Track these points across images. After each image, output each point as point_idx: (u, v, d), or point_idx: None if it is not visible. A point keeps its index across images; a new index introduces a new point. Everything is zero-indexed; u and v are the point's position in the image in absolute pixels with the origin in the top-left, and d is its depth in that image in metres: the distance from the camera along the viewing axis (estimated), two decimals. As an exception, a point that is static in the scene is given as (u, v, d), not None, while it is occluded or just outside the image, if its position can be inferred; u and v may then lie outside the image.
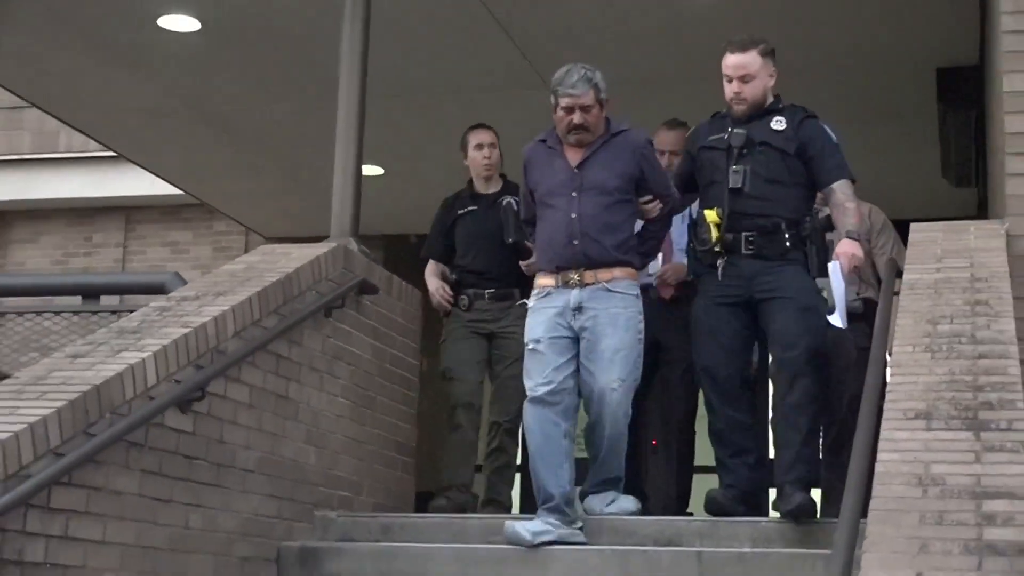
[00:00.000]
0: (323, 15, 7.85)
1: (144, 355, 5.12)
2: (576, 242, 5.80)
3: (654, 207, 6.04)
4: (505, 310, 7.16)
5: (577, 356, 5.80)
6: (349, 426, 6.47)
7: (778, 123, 5.83)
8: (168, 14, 8.88)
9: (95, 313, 6.72)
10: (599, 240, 5.80)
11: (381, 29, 7.50)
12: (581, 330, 5.77)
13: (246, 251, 10.74)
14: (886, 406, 4.14)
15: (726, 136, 5.85)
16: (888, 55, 8.68)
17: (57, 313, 6.99)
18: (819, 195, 6.21)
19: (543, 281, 5.93)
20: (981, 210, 8.56)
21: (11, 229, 15.26)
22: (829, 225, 5.99)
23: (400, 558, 5.81)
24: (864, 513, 3.69)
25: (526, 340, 5.89)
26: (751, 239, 5.73)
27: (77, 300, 7.16)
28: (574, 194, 5.85)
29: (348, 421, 6.52)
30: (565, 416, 5.76)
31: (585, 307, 5.77)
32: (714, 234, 5.75)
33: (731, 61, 5.83)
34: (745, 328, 5.89)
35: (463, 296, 7.25)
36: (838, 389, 6.61)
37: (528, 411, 5.82)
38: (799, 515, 5.48)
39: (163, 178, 12.07)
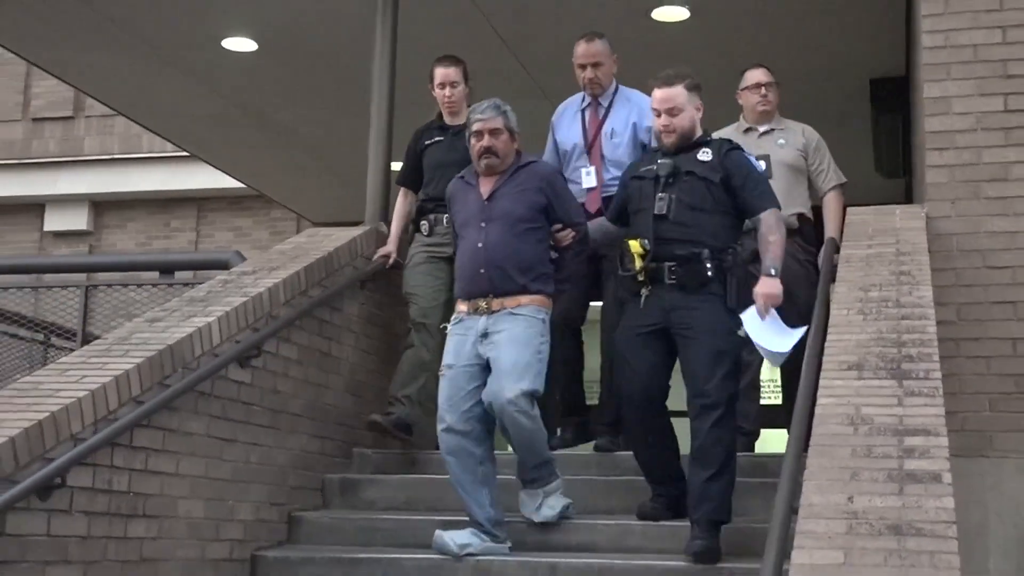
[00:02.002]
0: (358, 36, 7.81)
1: (210, 320, 5.11)
2: (483, 271, 5.13)
3: (566, 235, 5.31)
4: None
5: (485, 377, 5.10)
6: (380, 378, 6.44)
7: (704, 154, 5.10)
8: (230, 37, 8.86)
9: (171, 285, 6.69)
10: (504, 268, 5.11)
11: (406, 47, 7.46)
12: (487, 353, 5.08)
13: (297, 234, 10.73)
14: (824, 359, 4.13)
15: (655, 167, 5.15)
16: (829, 68, 8.63)
17: (139, 286, 6.97)
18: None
19: (459, 307, 5.28)
20: (908, 198, 8.53)
21: (104, 216, 15.23)
22: (755, 258, 5.21)
23: (424, 487, 5.80)
24: (806, 448, 3.69)
25: (441, 365, 5.25)
26: (673, 269, 4.93)
27: (156, 275, 7.11)
28: (483, 224, 5.20)
29: (379, 374, 6.48)
30: (479, 443, 5.10)
31: (490, 332, 5.08)
32: (637, 263, 4.97)
33: (659, 95, 5.16)
34: (660, 357, 5.03)
35: (424, 222, 6.37)
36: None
37: (442, 441, 5.13)
38: (699, 561, 4.69)
39: (228, 174, 12.04)
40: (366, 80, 7.47)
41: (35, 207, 15.24)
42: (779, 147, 6.17)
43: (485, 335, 5.09)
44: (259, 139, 10.75)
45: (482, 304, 5.13)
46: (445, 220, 6.05)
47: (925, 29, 5.81)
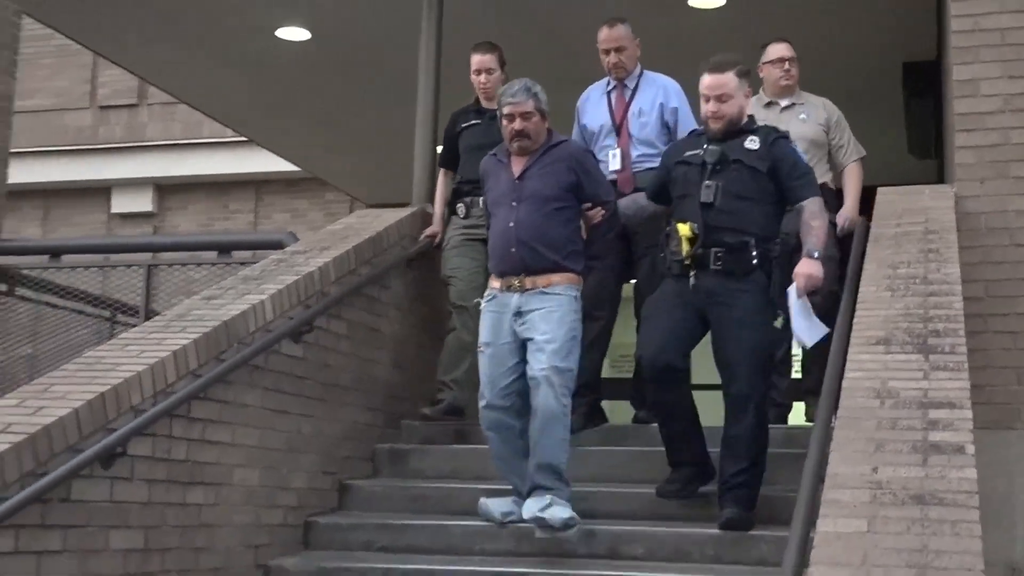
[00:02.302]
0: (405, 24, 7.79)
1: (264, 297, 5.14)
2: (514, 249, 5.00)
3: (596, 213, 5.18)
4: None
5: (522, 354, 4.99)
6: (427, 353, 6.44)
7: (751, 142, 4.94)
8: (285, 27, 8.90)
9: (227, 264, 6.73)
10: (535, 247, 4.98)
11: (451, 35, 7.45)
12: (521, 331, 4.97)
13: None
14: (853, 334, 4.10)
15: (701, 152, 4.97)
16: (862, 52, 8.55)
17: (198, 265, 7.03)
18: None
19: (491, 283, 5.14)
20: (940, 178, 8.42)
21: (166, 199, 15.34)
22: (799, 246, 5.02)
23: (470, 457, 5.81)
24: (833, 420, 3.67)
25: (479, 343, 5.14)
26: (719, 255, 4.80)
27: (215, 255, 7.16)
28: (514, 203, 5.06)
29: (426, 349, 6.48)
30: (518, 416, 4.98)
31: (523, 311, 4.96)
32: (685, 248, 4.83)
33: (708, 81, 4.99)
34: (690, 327, 4.91)
35: (460, 204, 6.31)
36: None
37: (483, 416, 5.05)
38: (728, 529, 4.71)
39: (284, 158, 12.10)
40: (413, 67, 7.47)
41: (102, 190, 15.37)
42: (801, 121, 6.03)
43: (519, 313, 4.98)
44: (313, 124, 10.79)
45: (514, 282, 5.01)
46: (480, 202, 5.84)
47: (954, 13, 5.75)
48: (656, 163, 5.63)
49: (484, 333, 5.09)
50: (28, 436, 3.86)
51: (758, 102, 6.01)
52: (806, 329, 4.70)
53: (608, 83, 6.12)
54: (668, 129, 5.92)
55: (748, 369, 4.76)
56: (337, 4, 8.40)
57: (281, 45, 9.17)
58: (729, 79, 4.95)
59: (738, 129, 4.99)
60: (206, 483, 4.71)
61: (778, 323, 4.80)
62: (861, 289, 4.49)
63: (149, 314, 6.65)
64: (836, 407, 3.71)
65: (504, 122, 5.14)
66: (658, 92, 5.98)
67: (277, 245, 6.23)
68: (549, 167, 5.10)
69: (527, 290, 4.98)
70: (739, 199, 4.85)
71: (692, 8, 8.09)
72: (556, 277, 4.99)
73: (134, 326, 5.73)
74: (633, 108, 5.97)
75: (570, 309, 4.98)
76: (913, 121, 9.02)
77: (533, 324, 4.93)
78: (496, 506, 5.02)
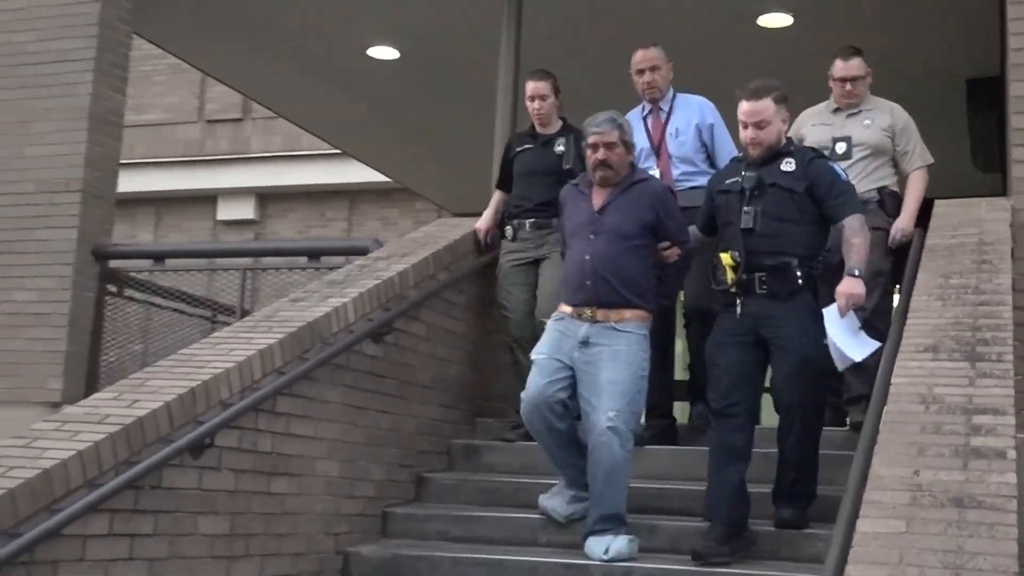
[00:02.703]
0: (486, 43, 7.86)
1: (346, 300, 5.18)
2: (589, 282, 4.79)
3: (672, 253, 4.97)
4: (544, 236, 5.92)
5: (572, 379, 4.80)
6: (501, 354, 6.41)
7: (787, 164, 4.77)
8: (375, 46, 9.01)
9: (317, 269, 6.79)
10: (610, 282, 4.77)
11: (528, 53, 7.49)
12: (583, 363, 4.75)
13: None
14: (902, 342, 4.04)
15: (740, 179, 4.83)
16: (927, 69, 8.44)
17: (290, 270, 7.12)
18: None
19: (561, 308, 4.93)
20: (1004, 192, 8.26)
21: (267, 208, 15.58)
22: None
23: (540, 453, 5.73)
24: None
25: (533, 354, 4.95)
26: (763, 279, 4.65)
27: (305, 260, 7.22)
28: (591, 236, 4.85)
29: (500, 350, 6.44)
30: (561, 418, 4.82)
31: (591, 343, 4.75)
32: (730, 276, 4.70)
33: (746, 108, 4.80)
34: (752, 365, 4.73)
35: (508, 227, 6.09)
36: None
37: (526, 418, 4.89)
38: (782, 527, 4.66)
39: (376, 169, 12.21)
40: (493, 82, 7.53)
41: (209, 199, 15.67)
42: (864, 127, 5.75)
43: (585, 343, 4.77)
44: (402, 137, 10.89)
45: (587, 312, 4.81)
46: (528, 225, 5.96)
47: (1012, 31, 5.64)
48: (697, 180, 5.61)
49: (542, 346, 4.91)
50: (123, 427, 3.95)
51: (826, 108, 5.87)
52: (855, 346, 4.52)
53: (643, 108, 5.99)
54: (706, 147, 5.83)
55: (796, 382, 4.61)
56: (423, 25, 8.48)
57: (372, 64, 9.29)
58: (767, 105, 4.79)
59: (776, 152, 4.83)
60: (289, 474, 4.77)
61: (827, 341, 4.60)
62: (913, 298, 4.42)
63: (244, 315, 6.75)
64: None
65: (588, 151, 4.96)
66: (693, 111, 5.88)
67: (362, 251, 6.27)
68: (631, 203, 4.91)
69: (598, 322, 4.78)
70: (779, 221, 4.71)
71: (761, 27, 8.03)
72: (628, 313, 4.79)
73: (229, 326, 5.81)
74: (670, 129, 5.86)
75: (639, 348, 4.78)
76: (977, 135, 8.85)
77: (599, 362, 4.72)
78: (557, 507, 4.99)
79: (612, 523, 4.68)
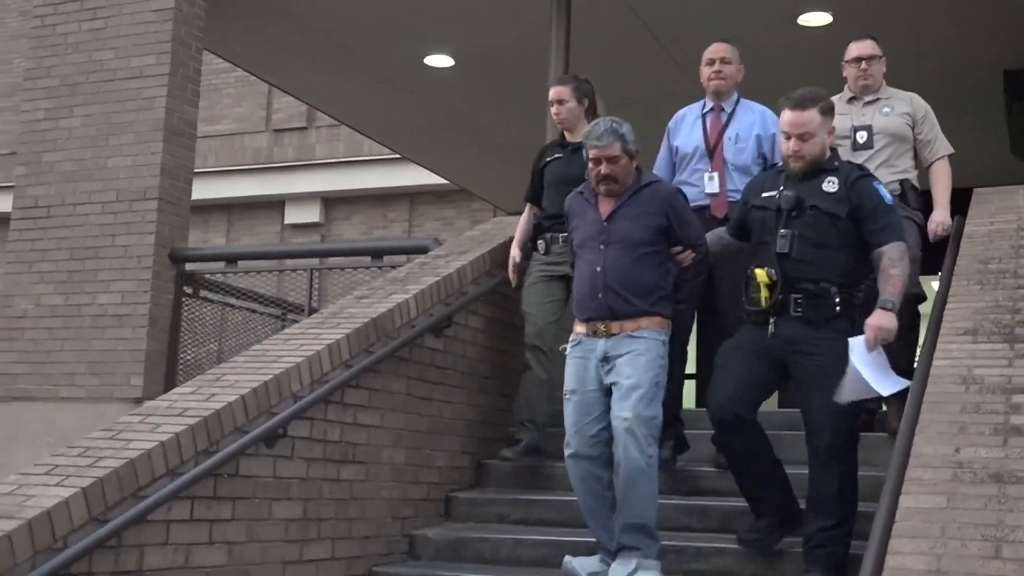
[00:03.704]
0: (537, 49, 7.88)
1: (408, 296, 5.21)
2: (601, 295, 4.41)
3: (686, 256, 4.54)
4: None
5: (608, 401, 4.40)
6: (557, 344, 6.43)
7: (830, 184, 4.28)
8: (431, 55, 9.06)
9: (381, 268, 6.85)
10: (622, 294, 4.39)
11: (576, 57, 7.50)
12: (607, 377, 4.40)
13: (492, 222, 10.90)
14: (942, 325, 4.00)
15: (777, 196, 4.35)
16: (965, 62, 8.33)
17: (355, 269, 7.19)
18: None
19: (576, 328, 4.56)
20: (1044, 179, 8.15)
21: (333, 211, 15.67)
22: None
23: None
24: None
25: (564, 390, 4.54)
26: (799, 301, 4.20)
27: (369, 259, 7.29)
28: (601, 247, 4.46)
29: (556, 341, 6.42)
30: (606, 467, 4.39)
31: (610, 356, 4.38)
32: (763, 295, 4.25)
33: (789, 118, 4.30)
34: (763, 377, 4.32)
35: (540, 240, 5.60)
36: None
37: (569, 467, 4.47)
38: None
39: (435, 172, 12.28)
40: (544, 86, 7.53)
41: (277, 204, 15.81)
42: (883, 116, 5.38)
43: (605, 359, 4.40)
44: (459, 141, 10.94)
45: (601, 327, 4.42)
46: (561, 239, 5.41)
47: (1048, 24, 5.55)
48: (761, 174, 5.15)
49: (569, 380, 4.50)
50: (201, 419, 4.02)
51: (840, 99, 5.39)
52: (876, 381, 4.04)
53: (704, 105, 5.54)
54: (764, 159, 5.35)
55: (834, 422, 4.12)
56: (477, 33, 8.52)
57: (429, 71, 9.35)
58: (812, 117, 4.30)
59: (818, 168, 4.34)
60: (358, 461, 4.83)
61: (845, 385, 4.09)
62: (952, 283, 4.37)
63: (312, 312, 6.82)
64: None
65: (590, 165, 4.54)
66: (755, 119, 5.41)
67: (422, 250, 6.32)
68: (639, 209, 4.50)
69: (614, 335, 4.40)
70: (817, 247, 4.24)
71: (801, 26, 7.97)
72: (644, 321, 4.40)
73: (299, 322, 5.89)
74: (729, 132, 5.38)
75: (657, 354, 4.39)
76: (1015, 125, 8.72)
77: (619, 368, 4.36)
78: (582, 565, 4.45)
79: (638, 535, 4.28)
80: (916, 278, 5.18)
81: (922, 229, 5.31)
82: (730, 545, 4.51)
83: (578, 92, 5.61)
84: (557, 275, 5.53)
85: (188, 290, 7.40)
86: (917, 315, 5.36)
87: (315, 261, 7.55)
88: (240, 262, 7.56)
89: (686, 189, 5.12)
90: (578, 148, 5.38)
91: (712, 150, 5.38)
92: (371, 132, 11.20)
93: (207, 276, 7.56)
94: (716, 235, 4.79)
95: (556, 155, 5.68)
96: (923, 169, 5.48)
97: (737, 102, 5.49)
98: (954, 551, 2.69)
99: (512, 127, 10.22)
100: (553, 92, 5.68)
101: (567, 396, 4.50)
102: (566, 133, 5.71)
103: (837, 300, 4.21)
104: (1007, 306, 4.04)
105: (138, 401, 6.72)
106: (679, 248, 4.54)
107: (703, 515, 4.91)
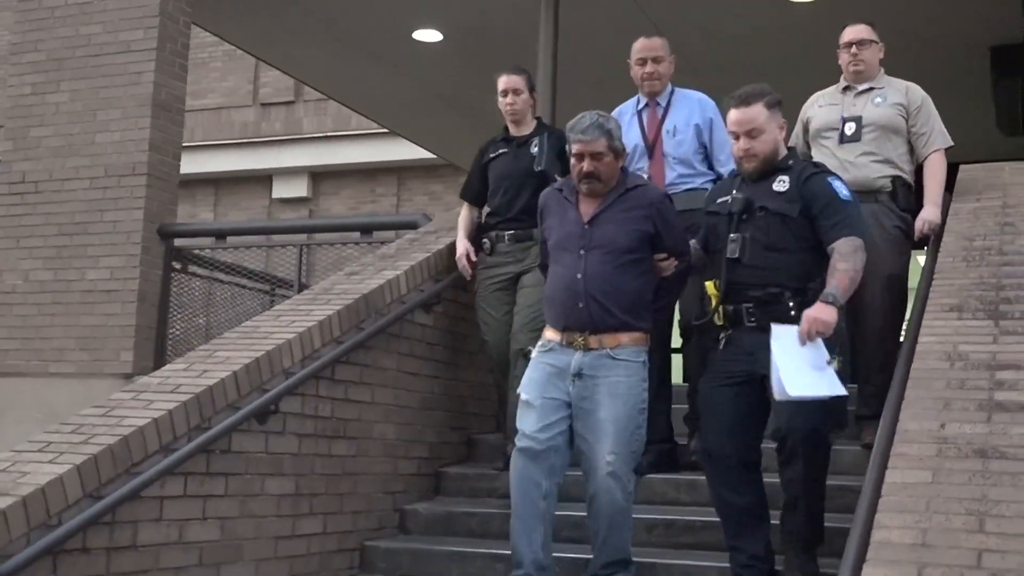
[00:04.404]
0: (526, 24, 7.88)
1: (398, 272, 5.23)
2: (581, 305, 4.07)
3: (669, 265, 4.24)
4: (526, 250, 5.22)
5: (570, 417, 4.09)
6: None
7: (780, 183, 4.05)
8: (419, 29, 9.04)
9: (370, 243, 6.85)
10: (604, 304, 4.07)
11: (567, 34, 7.50)
12: (579, 398, 4.06)
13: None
14: (928, 302, 4.04)
15: (728, 200, 4.13)
16: (952, 37, 8.34)
17: (344, 244, 7.19)
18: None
19: (548, 334, 4.20)
20: (1028, 154, 8.19)
21: (320, 185, 15.68)
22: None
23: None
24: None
25: (521, 392, 4.20)
26: (751, 310, 3.98)
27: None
28: (582, 252, 4.13)
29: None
30: (549, 474, 4.07)
31: (585, 375, 4.05)
32: (715, 307, 4.06)
33: (735, 116, 4.08)
34: (750, 408, 4.04)
35: (485, 239, 5.36)
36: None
37: (513, 461, 4.15)
38: None
39: (423, 147, 12.27)
40: (533, 61, 7.54)
41: (264, 178, 15.80)
42: (875, 106, 5.06)
43: (579, 375, 4.08)
44: (447, 116, 10.92)
45: (578, 339, 4.09)
46: (507, 237, 5.26)
47: (1034, 0, 5.57)
48: (695, 182, 5.06)
49: (529, 387, 4.16)
50: (194, 396, 4.05)
51: (836, 88, 5.21)
52: (798, 381, 3.73)
53: (638, 102, 5.29)
54: (705, 148, 5.14)
55: (794, 414, 3.85)
56: (465, 7, 8.50)
57: (417, 46, 9.32)
58: (758, 112, 4.07)
59: (773, 167, 4.11)
60: (349, 437, 4.86)
61: (833, 364, 3.85)
62: (938, 260, 4.41)
63: (302, 288, 6.84)
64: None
65: (572, 161, 4.22)
66: (693, 108, 5.17)
67: (412, 225, 6.33)
68: (624, 213, 4.18)
69: (592, 349, 4.09)
70: (769, 251, 4.00)
71: (790, 2, 7.97)
72: (625, 338, 4.10)
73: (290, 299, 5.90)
74: (667, 126, 5.15)
75: (638, 379, 4.10)
76: (1001, 101, 8.76)
77: (595, 397, 4.05)
78: None
79: (618, 567, 4.11)
80: (898, 299, 4.97)
81: (910, 235, 4.98)
82: (718, 519, 4.55)
83: (530, 84, 5.45)
84: (506, 278, 5.28)
85: (177, 265, 7.40)
86: (903, 299, 5.06)
87: (304, 237, 7.55)
88: (229, 237, 7.55)
89: None
90: (525, 142, 5.33)
91: (652, 147, 5.15)
92: (359, 107, 11.17)
93: (195, 252, 7.56)
94: (694, 248, 4.43)
95: (501, 150, 5.41)
96: (918, 164, 5.13)
97: (672, 93, 5.25)
98: (939, 525, 2.74)
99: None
100: (506, 81, 5.41)
101: (524, 398, 4.16)
102: (511, 126, 5.45)
103: (791, 304, 3.95)
104: (992, 283, 4.06)
105: (128, 376, 6.74)
106: (663, 256, 4.25)
107: (691, 488, 4.95)
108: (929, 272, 4.48)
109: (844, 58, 5.21)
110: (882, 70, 5.25)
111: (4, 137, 7.68)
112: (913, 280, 4.94)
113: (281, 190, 15.72)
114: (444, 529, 5.07)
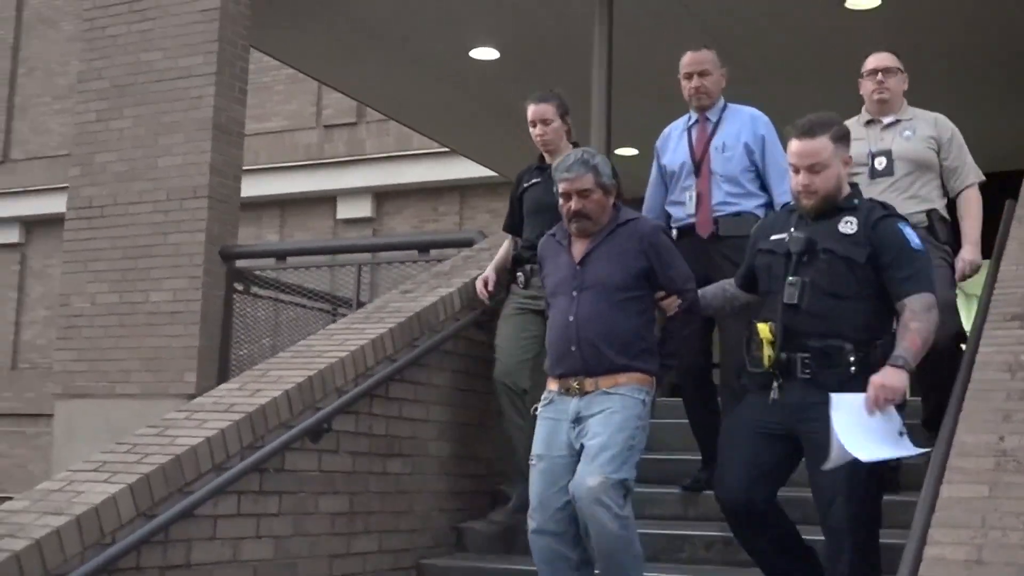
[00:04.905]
0: (580, 39, 7.87)
1: (452, 289, 5.22)
2: (574, 348, 3.87)
3: (671, 303, 3.97)
4: None
5: None
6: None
7: (848, 225, 3.66)
8: (477, 47, 9.07)
9: (428, 261, 6.86)
10: (599, 347, 3.84)
11: (621, 48, 7.47)
12: (577, 440, 3.85)
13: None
14: (989, 311, 3.94)
15: (787, 238, 3.75)
16: (1014, 42, 8.16)
17: (402, 263, 7.21)
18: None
19: (549, 386, 4.02)
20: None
21: (384, 205, 15.78)
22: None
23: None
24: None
25: (531, 455, 3.99)
26: (807, 360, 3.58)
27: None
28: (574, 293, 3.93)
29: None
30: (574, 546, 3.84)
31: (582, 417, 3.84)
32: (767, 354, 3.62)
33: (796, 148, 3.70)
34: (778, 462, 3.69)
35: (519, 272, 5.08)
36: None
37: (533, 544, 3.89)
38: None
39: (483, 164, 12.26)
40: (588, 76, 7.53)
41: (329, 199, 15.94)
42: (904, 140, 4.84)
43: (577, 420, 3.86)
44: (506, 132, 10.89)
45: (574, 385, 3.88)
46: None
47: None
48: (743, 204, 4.79)
49: (537, 444, 3.95)
50: (246, 415, 4.07)
51: (858, 121, 4.92)
52: (861, 446, 3.38)
53: (689, 118, 5.09)
54: (756, 168, 4.89)
55: (845, 499, 3.49)
56: (520, 24, 8.51)
57: (474, 64, 9.35)
58: (823, 145, 3.68)
59: (835, 207, 3.73)
60: (404, 455, 4.86)
61: (904, 434, 3.50)
62: (1001, 268, 4.30)
63: (360, 307, 6.86)
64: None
65: (560, 201, 4.03)
66: (744, 124, 4.93)
67: (467, 243, 6.33)
68: (616, 249, 3.96)
69: (588, 392, 3.86)
70: (831, 297, 3.62)
71: (848, 9, 7.85)
72: (623, 378, 3.85)
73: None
74: (715, 142, 4.91)
75: (634, 414, 3.81)
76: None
77: (589, 428, 3.82)
78: None
79: None
80: (954, 320, 4.68)
81: (953, 267, 4.79)
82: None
83: (561, 109, 5.11)
84: (536, 309, 4.92)
85: (239, 287, 7.48)
86: (959, 356, 4.46)
87: (364, 256, 7.58)
88: (289, 258, 7.62)
89: (676, 209, 4.94)
90: None
91: (699, 164, 4.91)
92: (419, 126, 11.23)
93: (257, 273, 7.64)
94: (720, 287, 4.19)
95: (534, 180, 5.16)
96: (951, 199, 4.92)
97: (724, 108, 5.01)
98: (995, 541, 2.65)
99: (559, 118, 10.20)
100: (533, 111, 5.11)
101: (533, 462, 3.95)
102: (545, 155, 5.17)
103: (852, 359, 3.57)
104: (1056, 291, 3.96)
105: (191, 397, 6.81)
106: (662, 294, 3.99)
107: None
108: (991, 280, 4.37)
109: (868, 86, 4.94)
110: (905, 101, 4.99)
111: (72, 163, 7.84)
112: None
113: (345, 211, 15.85)
114: (502, 547, 5.04)
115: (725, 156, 4.88)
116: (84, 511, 3.43)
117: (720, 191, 4.85)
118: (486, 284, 5.18)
